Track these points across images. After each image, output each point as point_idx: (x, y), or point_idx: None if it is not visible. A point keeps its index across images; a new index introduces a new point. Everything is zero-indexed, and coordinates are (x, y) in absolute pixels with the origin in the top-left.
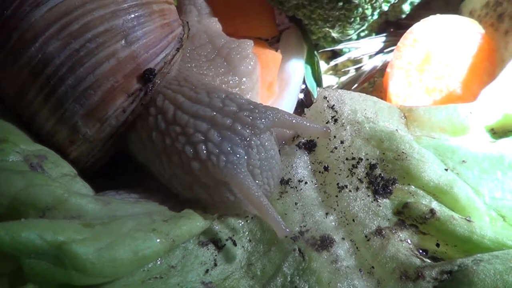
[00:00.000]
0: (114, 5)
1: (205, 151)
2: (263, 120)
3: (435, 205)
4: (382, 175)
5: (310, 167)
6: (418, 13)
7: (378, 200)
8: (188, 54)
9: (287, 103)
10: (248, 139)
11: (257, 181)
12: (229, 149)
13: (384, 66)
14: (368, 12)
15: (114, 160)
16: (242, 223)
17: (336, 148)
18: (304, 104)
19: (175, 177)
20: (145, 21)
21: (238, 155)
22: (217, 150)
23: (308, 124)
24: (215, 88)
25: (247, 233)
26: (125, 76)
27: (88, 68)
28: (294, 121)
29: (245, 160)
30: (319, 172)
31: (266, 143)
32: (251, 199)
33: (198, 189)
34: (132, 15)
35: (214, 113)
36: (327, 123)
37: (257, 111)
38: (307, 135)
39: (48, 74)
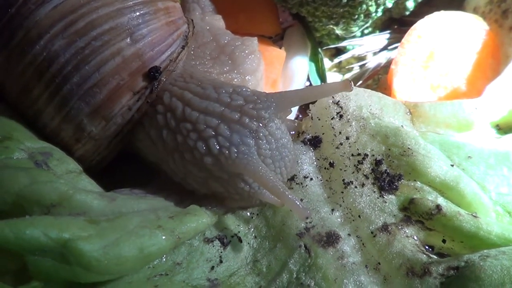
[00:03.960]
0: (119, 3)
1: (217, 145)
2: (267, 109)
3: (441, 201)
4: (388, 171)
5: (315, 163)
6: (422, 10)
7: (384, 196)
8: (192, 52)
9: None
10: (256, 130)
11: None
12: (239, 140)
13: (388, 63)
14: (372, 9)
15: (121, 157)
16: (248, 219)
17: (341, 144)
18: None
19: (190, 174)
20: (150, 19)
21: (248, 145)
22: (227, 143)
23: (324, 88)
24: (222, 83)
25: (252, 229)
26: (130, 74)
27: (93, 66)
28: (305, 93)
29: (255, 149)
30: (325, 168)
31: (276, 132)
32: (266, 184)
33: (213, 183)
34: (137, 13)
35: (223, 108)
36: (332, 119)
37: (259, 101)
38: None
39: (53, 73)
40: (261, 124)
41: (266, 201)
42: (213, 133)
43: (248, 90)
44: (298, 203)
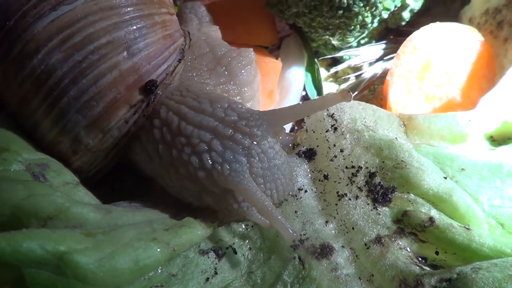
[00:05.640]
0: (116, 16)
1: (210, 161)
2: (259, 127)
3: (434, 213)
4: (382, 183)
5: (310, 175)
6: (418, 20)
7: (378, 208)
8: (189, 63)
9: None
10: (248, 148)
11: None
12: (231, 157)
13: (384, 73)
14: (368, 19)
15: (118, 168)
16: (243, 231)
17: (335, 156)
18: None
19: (184, 189)
20: (147, 33)
21: (240, 163)
22: (220, 159)
23: (322, 101)
24: (218, 97)
25: (247, 241)
26: (127, 87)
27: (90, 80)
28: (302, 108)
29: (248, 167)
30: (319, 180)
31: (269, 151)
32: (256, 203)
33: (206, 197)
34: (134, 27)
35: (217, 123)
36: (326, 131)
37: (252, 119)
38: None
39: (50, 85)
40: (254, 142)
41: (254, 221)
42: (206, 148)
43: (243, 106)
44: (286, 225)
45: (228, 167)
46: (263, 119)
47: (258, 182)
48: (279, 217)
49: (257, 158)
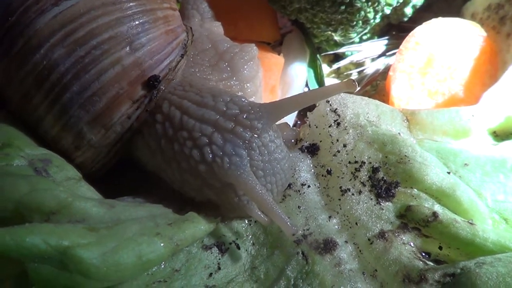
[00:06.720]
0: (118, 12)
1: (210, 154)
2: (260, 119)
3: (437, 208)
4: (385, 178)
5: (313, 170)
6: (420, 16)
7: (381, 203)
8: (191, 59)
9: None
10: (249, 141)
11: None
12: (231, 150)
13: (387, 69)
14: (370, 15)
15: (121, 164)
16: (246, 226)
17: (339, 151)
18: (307, 107)
19: (186, 183)
20: (150, 28)
21: (241, 157)
22: (220, 152)
23: (325, 90)
24: (220, 91)
25: (250, 236)
26: (130, 82)
27: (93, 75)
28: (303, 98)
29: (248, 161)
30: (322, 175)
31: (269, 144)
32: (255, 197)
33: (207, 191)
34: (137, 22)
35: (218, 117)
36: (329, 126)
37: (253, 111)
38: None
39: (53, 81)
40: (254, 135)
41: (253, 217)
42: (207, 141)
43: (245, 100)
44: (285, 219)
45: (228, 160)
46: (264, 111)
47: (258, 175)
48: (279, 211)
49: (257, 151)
